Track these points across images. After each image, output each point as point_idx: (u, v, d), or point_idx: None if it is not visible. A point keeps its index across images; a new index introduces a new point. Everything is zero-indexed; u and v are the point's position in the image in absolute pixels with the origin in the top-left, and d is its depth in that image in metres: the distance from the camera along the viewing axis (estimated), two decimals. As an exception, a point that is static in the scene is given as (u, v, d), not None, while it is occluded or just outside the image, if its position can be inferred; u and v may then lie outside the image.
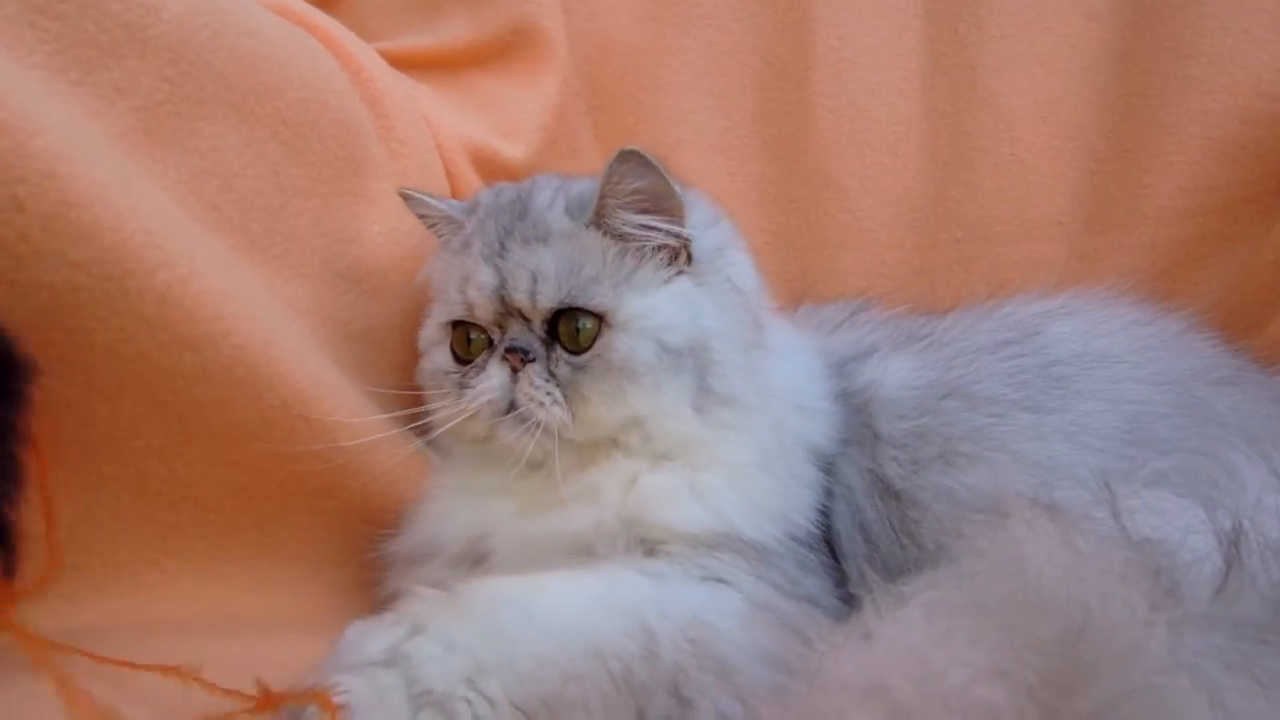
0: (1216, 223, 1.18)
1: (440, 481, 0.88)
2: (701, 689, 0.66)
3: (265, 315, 0.80)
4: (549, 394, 0.79)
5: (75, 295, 0.67)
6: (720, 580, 0.76)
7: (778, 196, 1.35)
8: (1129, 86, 1.24)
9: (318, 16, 1.05)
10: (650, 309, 0.81)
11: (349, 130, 0.97)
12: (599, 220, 0.82)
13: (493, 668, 0.63)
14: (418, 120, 1.10)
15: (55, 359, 0.69)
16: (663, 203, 0.82)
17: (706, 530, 0.77)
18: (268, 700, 0.59)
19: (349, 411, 0.84)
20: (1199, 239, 1.19)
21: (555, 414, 0.79)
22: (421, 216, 0.94)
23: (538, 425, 0.79)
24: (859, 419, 0.86)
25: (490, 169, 1.17)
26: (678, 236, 0.83)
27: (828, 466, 0.85)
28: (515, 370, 0.81)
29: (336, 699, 0.58)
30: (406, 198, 0.93)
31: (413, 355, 0.92)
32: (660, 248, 0.83)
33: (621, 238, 0.83)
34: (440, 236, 0.93)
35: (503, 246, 0.83)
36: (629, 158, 0.79)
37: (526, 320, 0.83)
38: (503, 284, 0.82)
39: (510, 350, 0.81)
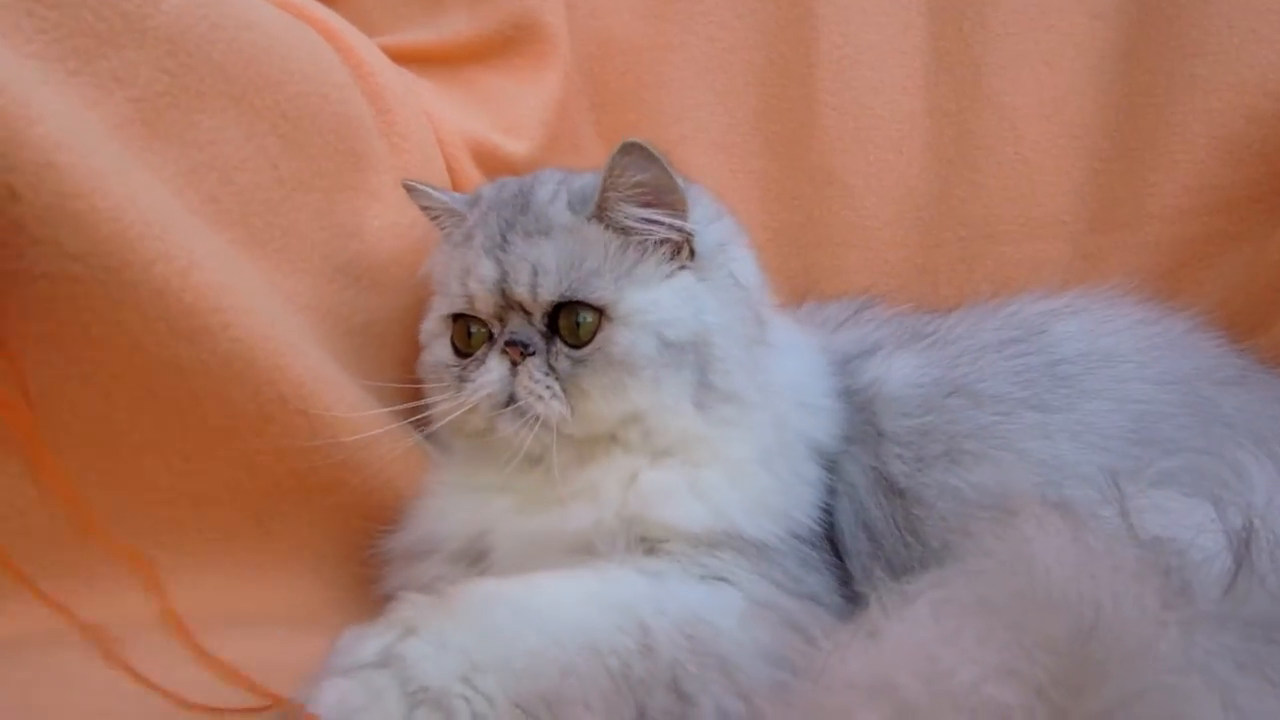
0: (1222, 222, 1.18)
1: (439, 477, 0.88)
2: (702, 685, 0.66)
3: (264, 309, 0.80)
4: (548, 387, 0.79)
5: (72, 286, 0.66)
6: (721, 579, 0.76)
7: (780, 194, 1.35)
8: (1134, 85, 1.23)
9: (319, 10, 1.04)
10: (651, 303, 0.80)
11: (349, 124, 0.97)
12: (601, 213, 0.82)
13: (488, 665, 0.63)
14: (419, 115, 1.10)
15: (51, 350, 0.68)
16: (665, 196, 0.81)
17: (707, 528, 0.77)
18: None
19: (348, 406, 0.84)
20: (1204, 238, 1.19)
21: (554, 407, 0.79)
22: (424, 208, 0.94)
23: (536, 419, 0.79)
24: (862, 416, 0.86)
25: (492, 164, 1.17)
26: (680, 231, 0.82)
27: (831, 464, 0.84)
28: (515, 363, 0.80)
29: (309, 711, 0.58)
30: (410, 189, 0.93)
31: (412, 350, 0.92)
32: (662, 242, 0.82)
33: (623, 231, 0.82)
34: (443, 229, 0.92)
35: (504, 239, 0.83)
36: (631, 150, 0.78)
37: (527, 313, 0.82)
38: (504, 277, 0.82)
39: (510, 343, 0.81)
